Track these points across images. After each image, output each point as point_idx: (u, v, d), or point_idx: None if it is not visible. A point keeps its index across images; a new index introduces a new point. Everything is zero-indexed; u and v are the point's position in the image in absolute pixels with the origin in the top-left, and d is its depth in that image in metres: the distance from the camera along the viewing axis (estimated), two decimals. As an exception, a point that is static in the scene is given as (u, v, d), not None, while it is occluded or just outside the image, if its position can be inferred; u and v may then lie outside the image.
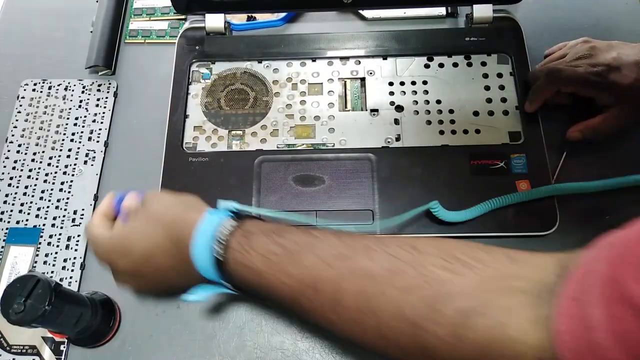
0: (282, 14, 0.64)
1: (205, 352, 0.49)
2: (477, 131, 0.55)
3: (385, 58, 0.59)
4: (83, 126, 0.59)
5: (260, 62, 0.60)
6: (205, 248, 0.39)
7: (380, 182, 0.52)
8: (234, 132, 0.57)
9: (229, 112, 0.57)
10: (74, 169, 0.57)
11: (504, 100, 0.56)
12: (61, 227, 0.54)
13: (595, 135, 0.53)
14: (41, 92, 0.61)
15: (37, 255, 0.53)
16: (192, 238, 0.40)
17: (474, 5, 0.59)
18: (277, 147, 0.55)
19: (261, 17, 0.64)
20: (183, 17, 0.64)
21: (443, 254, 0.34)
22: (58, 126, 0.59)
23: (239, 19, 0.64)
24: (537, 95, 0.54)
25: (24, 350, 0.49)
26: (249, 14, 0.64)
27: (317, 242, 0.38)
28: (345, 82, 0.59)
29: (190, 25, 0.61)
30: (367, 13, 0.64)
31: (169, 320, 0.50)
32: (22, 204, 0.55)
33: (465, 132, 0.55)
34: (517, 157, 0.53)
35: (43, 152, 0.58)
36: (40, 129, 0.59)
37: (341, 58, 0.60)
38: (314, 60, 0.60)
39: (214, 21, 0.60)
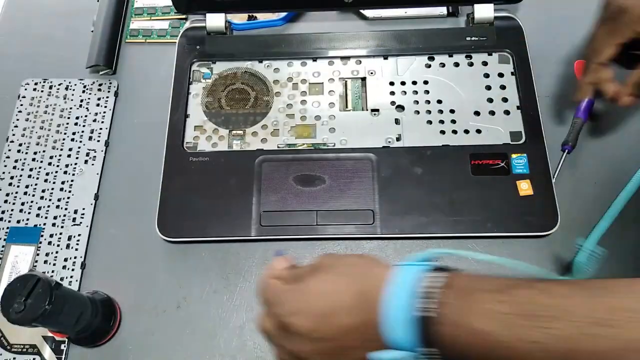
0: (283, 14, 0.64)
1: (206, 351, 0.49)
2: (478, 131, 0.55)
3: (386, 58, 0.59)
4: (84, 126, 0.59)
5: (261, 61, 0.60)
6: (401, 305, 0.33)
7: (381, 182, 0.52)
8: (234, 132, 0.57)
9: (230, 112, 0.58)
10: (75, 168, 0.57)
11: (505, 99, 0.56)
12: (62, 227, 0.54)
13: None
14: (42, 91, 0.61)
15: (37, 254, 0.53)
16: (383, 293, 0.34)
17: (475, 5, 0.59)
18: (278, 146, 0.55)
19: (262, 16, 0.64)
20: (184, 16, 0.64)
21: None
22: (59, 125, 0.59)
23: (239, 18, 0.64)
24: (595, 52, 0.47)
25: (25, 350, 0.49)
26: (250, 14, 0.64)
27: (561, 302, 0.31)
28: (346, 81, 0.59)
29: (191, 25, 0.61)
30: (368, 13, 0.64)
31: (169, 319, 0.50)
32: (22, 204, 0.55)
33: (466, 132, 0.55)
34: (518, 157, 0.53)
35: (44, 151, 0.58)
36: (41, 128, 0.59)
37: (342, 58, 0.60)
38: (314, 60, 0.60)
39: (215, 21, 0.60)
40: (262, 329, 0.39)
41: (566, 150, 0.54)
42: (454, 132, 0.55)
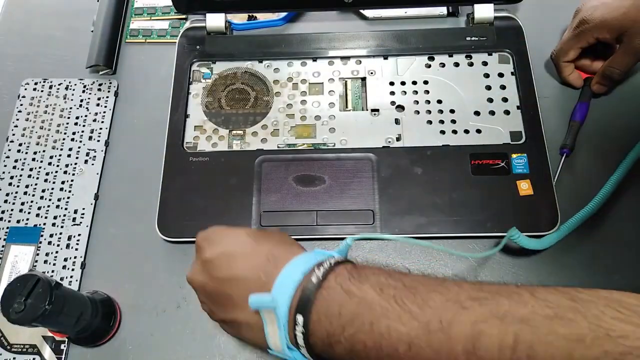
0: (283, 14, 0.63)
1: (206, 351, 0.48)
2: (478, 131, 0.55)
3: (386, 58, 0.59)
4: (84, 125, 0.59)
5: (260, 61, 0.60)
6: (296, 273, 0.34)
7: (381, 182, 0.52)
8: (234, 132, 0.56)
9: (230, 112, 0.57)
10: (75, 168, 0.57)
11: (505, 99, 0.56)
12: (62, 227, 0.54)
13: (610, 78, 0.55)
14: (42, 91, 0.61)
15: (37, 254, 0.53)
16: (288, 262, 0.35)
17: (475, 5, 0.59)
18: (278, 146, 0.55)
19: (262, 16, 0.64)
20: (184, 16, 0.64)
21: (611, 303, 0.29)
22: (59, 125, 0.59)
23: (239, 18, 0.63)
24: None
25: (25, 350, 0.49)
26: (250, 14, 0.64)
27: (444, 283, 0.32)
28: (346, 81, 0.59)
29: (191, 25, 0.61)
30: (369, 13, 0.63)
31: (169, 319, 0.50)
32: (22, 203, 0.55)
33: (466, 131, 0.55)
34: (518, 157, 0.52)
35: (44, 151, 0.58)
36: (41, 128, 0.59)
37: (342, 58, 0.59)
38: (314, 60, 0.60)
39: (215, 21, 0.60)
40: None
41: (565, 154, 0.54)
42: (454, 132, 0.55)
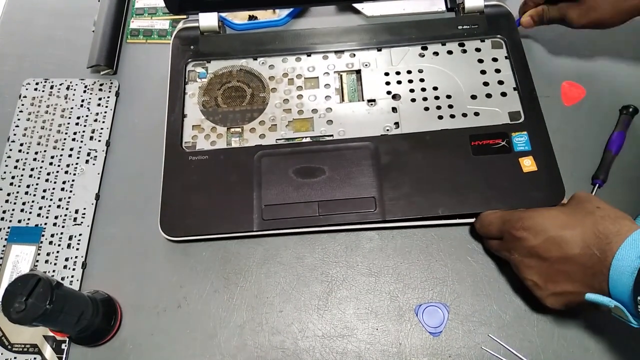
0: (285, 14, 0.53)
1: (206, 351, 0.39)
2: (476, 114, 0.45)
3: (379, 49, 0.49)
4: (85, 125, 0.49)
5: (255, 59, 0.49)
6: (632, 256, 0.31)
7: (381, 169, 0.42)
8: (232, 129, 0.46)
9: (227, 110, 0.47)
10: (76, 168, 0.47)
11: (500, 82, 0.46)
12: (63, 226, 0.44)
13: (542, 21, 0.47)
14: (43, 91, 0.51)
15: (38, 254, 0.43)
16: (620, 242, 0.31)
17: (465, -6, 0.49)
18: (277, 141, 0.45)
19: (263, 16, 0.53)
20: (185, 16, 0.53)
21: None
22: (60, 125, 0.49)
23: (240, 18, 0.53)
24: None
25: (26, 349, 0.40)
26: (250, 14, 0.53)
27: None
28: (341, 75, 0.49)
29: (184, 25, 0.51)
30: (367, 11, 0.53)
31: (169, 319, 0.40)
32: (23, 203, 0.46)
33: (464, 115, 0.45)
34: (519, 135, 0.43)
35: (45, 151, 0.48)
36: (42, 128, 0.49)
37: (336, 52, 0.49)
38: (309, 55, 0.49)
39: (208, 20, 0.50)
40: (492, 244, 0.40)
41: (597, 185, 0.44)
42: (452, 116, 0.45)
